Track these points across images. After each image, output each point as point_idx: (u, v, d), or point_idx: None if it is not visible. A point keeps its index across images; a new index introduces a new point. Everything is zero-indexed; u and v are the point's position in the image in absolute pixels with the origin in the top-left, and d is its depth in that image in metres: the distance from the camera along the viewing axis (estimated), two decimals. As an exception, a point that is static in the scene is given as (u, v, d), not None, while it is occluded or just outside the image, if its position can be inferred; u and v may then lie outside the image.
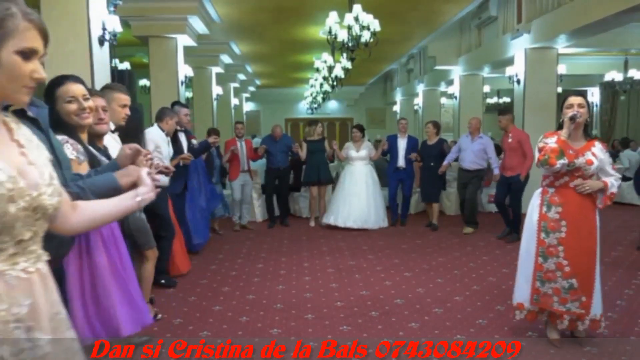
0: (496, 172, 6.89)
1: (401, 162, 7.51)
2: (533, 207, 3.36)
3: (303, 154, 7.66)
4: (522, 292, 3.37)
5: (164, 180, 4.19)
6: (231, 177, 7.40)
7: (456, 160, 7.34)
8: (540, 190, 3.37)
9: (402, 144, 7.53)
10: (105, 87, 3.34)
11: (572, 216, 3.20)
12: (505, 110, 6.88)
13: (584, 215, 3.22)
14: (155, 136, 4.55)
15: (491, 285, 4.74)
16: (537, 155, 3.29)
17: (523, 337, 3.52)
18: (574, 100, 3.22)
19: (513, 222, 6.55)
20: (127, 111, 3.23)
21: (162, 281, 4.62)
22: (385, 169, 8.21)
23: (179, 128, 5.20)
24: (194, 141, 5.74)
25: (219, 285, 4.84)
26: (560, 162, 3.13)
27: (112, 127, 3.16)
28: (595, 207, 3.25)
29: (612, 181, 3.24)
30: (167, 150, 4.63)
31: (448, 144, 7.79)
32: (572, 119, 3.15)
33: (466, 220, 7.21)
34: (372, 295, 4.49)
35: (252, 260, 5.81)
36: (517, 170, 6.41)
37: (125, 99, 3.24)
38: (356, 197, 7.43)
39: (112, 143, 3.00)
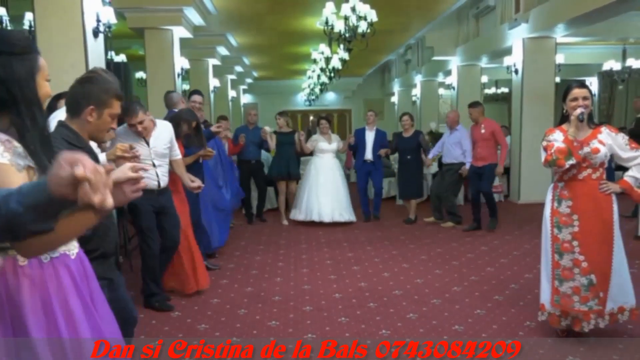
0: (467, 166, 6.74)
1: (369, 155, 7.34)
2: (546, 203, 3.27)
3: (273, 144, 7.26)
4: (544, 292, 3.25)
5: (149, 181, 3.72)
6: None
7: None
8: (551, 185, 3.29)
9: (369, 137, 7.38)
10: None
11: (584, 209, 3.10)
12: (474, 102, 6.84)
13: (598, 205, 3.11)
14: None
15: (489, 276, 4.74)
16: (543, 154, 3.18)
17: (521, 327, 3.53)
18: (579, 93, 3.10)
19: (490, 210, 6.59)
20: None
21: (156, 304, 4.01)
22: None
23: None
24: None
25: (217, 278, 4.83)
26: (569, 163, 3.05)
27: None
28: (611, 196, 3.15)
29: (635, 173, 3.14)
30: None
31: (424, 135, 7.69)
32: (580, 119, 3.06)
33: (437, 213, 7.20)
34: (371, 287, 4.49)
35: (250, 253, 5.81)
36: (489, 160, 6.51)
37: None
38: (324, 190, 7.22)
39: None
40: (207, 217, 5.07)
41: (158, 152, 3.88)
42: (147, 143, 3.84)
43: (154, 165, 3.84)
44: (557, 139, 3.13)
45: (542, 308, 3.26)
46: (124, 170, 1.87)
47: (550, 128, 3.30)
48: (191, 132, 4.49)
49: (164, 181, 3.94)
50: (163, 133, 3.95)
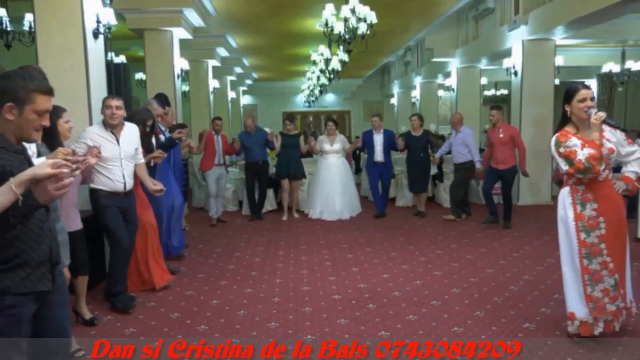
0: (477, 165, 7.14)
1: (379, 157, 7.80)
2: (564, 207, 3.17)
3: (278, 144, 7.71)
4: (573, 300, 3.17)
5: (115, 184, 3.82)
6: (203, 168, 7.42)
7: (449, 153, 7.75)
8: (568, 188, 3.18)
9: (378, 139, 7.78)
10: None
11: (608, 210, 3.10)
12: (497, 105, 7.13)
13: (617, 206, 3.15)
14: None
15: (488, 277, 4.74)
16: (562, 161, 3.07)
17: (521, 329, 3.53)
18: (587, 94, 3.09)
19: (506, 212, 6.84)
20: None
21: (119, 304, 3.97)
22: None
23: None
24: (162, 137, 5.21)
25: (217, 279, 4.84)
26: (601, 169, 3.02)
27: None
28: (621, 195, 3.19)
29: (635, 168, 3.17)
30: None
31: (433, 133, 8.08)
32: (615, 125, 3.08)
33: (453, 209, 7.52)
34: (370, 288, 4.49)
35: (250, 253, 5.81)
36: (509, 162, 6.66)
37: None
38: (333, 190, 7.73)
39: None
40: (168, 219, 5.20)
41: (127, 152, 3.93)
42: (118, 142, 3.88)
43: (121, 165, 3.88)
44: (577, 144, 3.06)
45: (571, 317, 3.18)
46: (43, 167, 1.74)
47: (561, 132, 3.16)
48: (147, 131, 4.51)
49: (130, 183, 3.98)
50: (131, 133, 4.00)
